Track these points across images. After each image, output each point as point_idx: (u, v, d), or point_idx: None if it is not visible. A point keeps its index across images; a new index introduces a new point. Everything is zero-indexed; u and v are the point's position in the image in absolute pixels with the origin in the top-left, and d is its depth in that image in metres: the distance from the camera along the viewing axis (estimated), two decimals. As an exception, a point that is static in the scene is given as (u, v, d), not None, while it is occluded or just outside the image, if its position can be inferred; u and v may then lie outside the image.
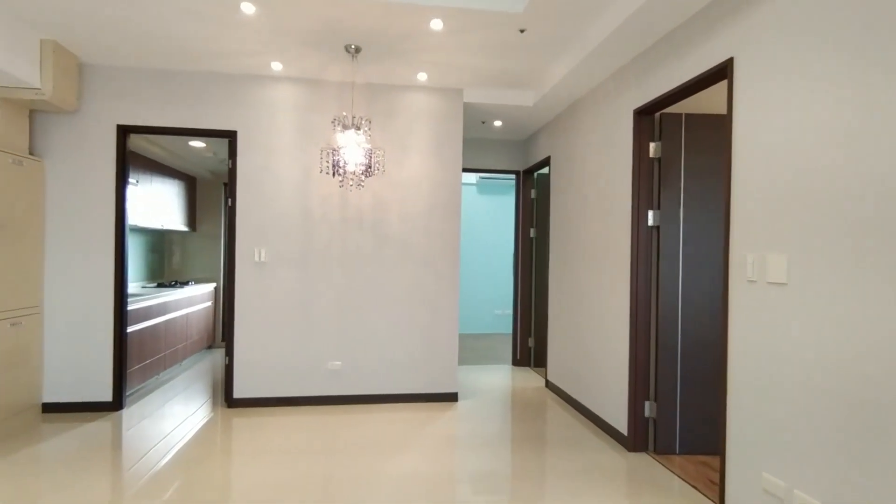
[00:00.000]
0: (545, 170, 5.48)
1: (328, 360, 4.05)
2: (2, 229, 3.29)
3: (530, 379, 5.07)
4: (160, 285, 5.52)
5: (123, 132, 3.83)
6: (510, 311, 8.00)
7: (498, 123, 4.91)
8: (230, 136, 3.93)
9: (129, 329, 4.14)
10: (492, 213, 7.97)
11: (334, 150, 3.36)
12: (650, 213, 3.17)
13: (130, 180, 4.51)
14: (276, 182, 3.97)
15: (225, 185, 6.42)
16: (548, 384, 4.69)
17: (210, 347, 6.37)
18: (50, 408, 3.75)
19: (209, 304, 6.12)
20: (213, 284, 6.26)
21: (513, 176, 5.85)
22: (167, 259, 6.34)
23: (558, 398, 4.37)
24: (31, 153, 3.71)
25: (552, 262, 4.68)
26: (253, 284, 3.96)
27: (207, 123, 3.90)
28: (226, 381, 3.97)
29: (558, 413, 3.98)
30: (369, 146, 3.41)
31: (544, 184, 5.50)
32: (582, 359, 3.95)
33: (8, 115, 3.42)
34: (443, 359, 4.19)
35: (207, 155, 4.99)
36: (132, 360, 4.18)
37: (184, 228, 5.97)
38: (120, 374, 3.84)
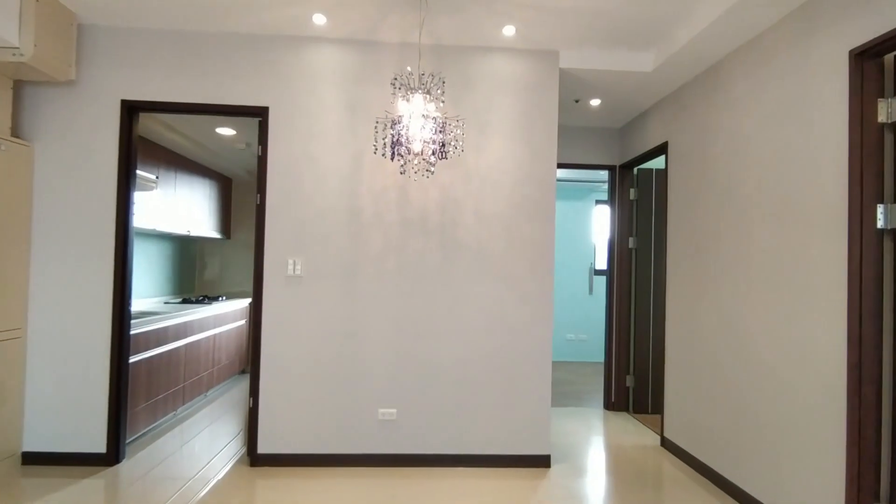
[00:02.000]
0: (652, 163, 4.36)
1: (379, 406, 3.07)
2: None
3: (635, 431, 3.91)
4: (186, 301, 4.73)
5: (129, 110, 3.03)
6: (585, 336, 6.83)
7: (595, 102, 3.85)
8: (260, 115, 3.06)
9: (137, 357, 3.32)
10: (563, 220, 6.87)
11: (394, 121, 2.41)
12: (880, 210, 2.03)
13: (147, 174, 3.73)
14: (317, 173, 3.07)
15: (264, 186, 5.67)
16: (665, 442, 3.53)
17: (244, 372, 5.55)
18: (31, 458, 2.94)
19: (242, 322, 5.31)
20: (248, 300, 5.45)
21: (604, 174, 4.74)
22: (198, 271, 5.60)
23: (687, 466, 3.21)
24: (16, 135, 2.96)
25: (672, 281, 3.54)
26: (284, 304, 3.05)
27: (232, 98, 3.05)
28: (249, 431, 3.06)
29: (698, 494, 2.83)
30: (442, 115, 2.43)
31: (649, 180, 4.38)
32: (733, 419, 2.79)
33: (-18, 84, 2.66)
34: (531, 411, 3.13)
35: (239, 147, 4.19)
36: (138, 396, 3.35)
37: (216, 236, 5.20)
38: (117, 418, 2.99)
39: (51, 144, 2.98)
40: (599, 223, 6.93)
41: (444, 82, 2.44)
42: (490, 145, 3.14)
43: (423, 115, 2.36)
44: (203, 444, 3.45)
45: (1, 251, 2.75)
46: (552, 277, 3.16)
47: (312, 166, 3.07)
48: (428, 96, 2.39)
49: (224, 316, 4.78)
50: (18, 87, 2.96)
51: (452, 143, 2.56)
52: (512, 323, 3.14)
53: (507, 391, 3.13)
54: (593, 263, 6.89)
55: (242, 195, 5.73)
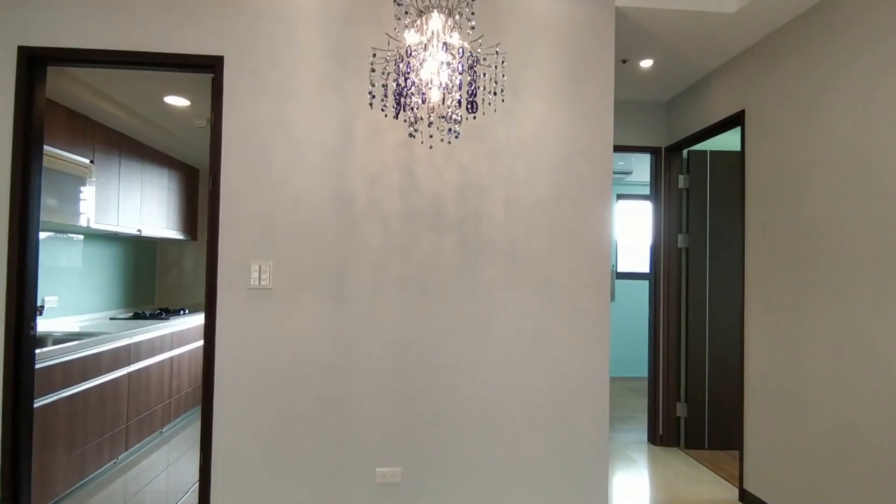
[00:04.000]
0: (706, 144, 3.58)
1: (378, 465, 2.25)
2: None
3: (698, 478, 3.11)
4: (137, 316, 3.88)
5: (31, 61, 2.19)
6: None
7: (646, 64, 3.07)
8: (212, 68, 2.24)
9: (52, 397, 2.47)
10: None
11: (400, 58, 1.59)
12: None
13: (77, 157, 2.89)
14: (291, 147, 2.25)
15: (237, 178, 4.81)
16: (746, 497, 2.73)
17: (213, 398, 4.68)
18: None
19: (212, 339, 4.44)
20: (219, 312, 4.59)
21: (625, 163, 3.95)
22: (158, 278, 4.73)
23: (786, 536, 2.42)
24: None
25: (755, 288, 2.75)
26: (246, 327, 2.22)
27: (173, 45, 2.23)
28: (200, 500, 2.22)
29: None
30: (468, 48, 1.61)
31: (702, 165, 3.59)
32: (865, 475, 1.99)
33: None
34: (583, 470, 2.33)
35: (198, 124, 3.35)
36: (55, 449, 2.50)
37: (178, 236, 4.35)
38: (14, 487, 2.14)
39: (-84, 106, 2.13)
40: (621, 219, 6.16)
41: (472, 2, 1.62)
42: (525, 111, 2.34)
43: (445, 45, 1.55)
44: (156, 498, 2.62)
45: None
46: (609, 286, 2.36)
47: (285, 137, 2.25)
48: (451, 19, 1.58)
49: (186, 333, 3.93)
50: None
51: (486, 92, 1.73)
52: (556, 348, 2.33)
53: (549, 443, 2.32)
54: (615, 266, 6.12)
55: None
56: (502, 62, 1.65)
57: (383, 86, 1.65)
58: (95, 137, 3.20)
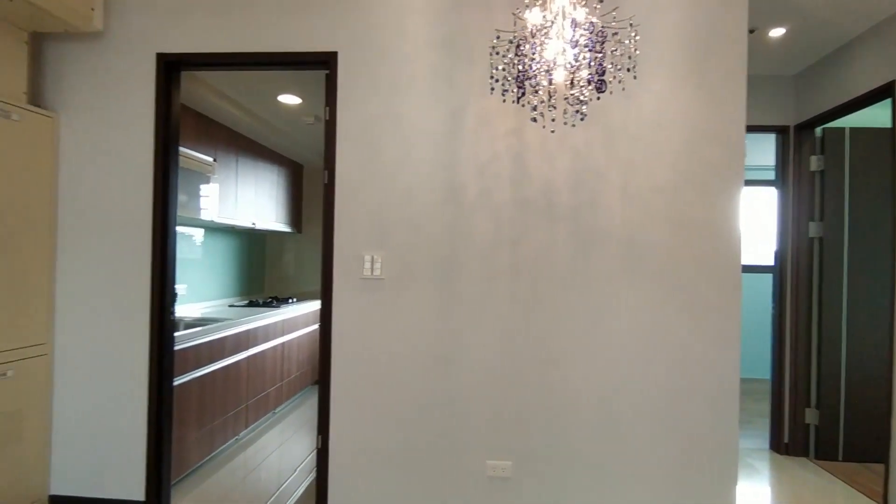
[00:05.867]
0: (850, 118, 3.18)
1: (487, 456, 2.23)
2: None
3: (830, 491, 2.79)
4: (252, 304, 4.15)
5: (168, 66, 2.38)
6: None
7: (777, 33, 2.76)
8: (327, 64, 2.30)
9: (187, 377, 2.70)
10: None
11: (523, 39, 1.53)
12: None
13: (202, 156, 3.12)
14: (402, 139, 2.26)
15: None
16: (900, 520, 2.40)
17: (317, 383, 4.93)
18: (60, 503, 2.38)
19: (315, 327, 4.68)
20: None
21: (764, 137, 3.59)
22: (267, 269, 5.05)
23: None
24: (35, 103, 2.39)
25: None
26: (359, 316, 2.28)
27: (290, 44, 2.31)
28: (318, 482, 2.32)
29: None
30: (598, 23, 1.50)
31: (840, 144, 3.19)
32: None
33: (-14, 35, 2.09)
34: (705, 476, 2.16)
35: (307, 121, 3.50)
36: (189, 425, 2.73)
37: (285, 229, 4.60)
38: (158, 456, 2.36)
39: (76, 114, 2.39)
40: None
41: (599, -25, 1.51)
42: (645, 91, 2.18)
43: (574, 21, 1.45)
44: (272, 475, 2.80)
45: (22, 248, 2.19)
46: (740, 280, 2.15)
47: (395, 129, 2.26)
48: (578, -5, 1.48)
49: (294, 321, 4.15)
50: (38, 43, 2.39)
51: (615, 70, 1.61)
52: (676, 345, 2.17)
53: (668, 445, 2.17)
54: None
55: (315, 184, 5.12)
56: (635, 36, 1.52)
57: (502, 69, 1.60)
58: (218, 137, 3.44)
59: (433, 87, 2.24)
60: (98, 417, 2.36)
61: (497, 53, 1.55)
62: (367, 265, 2.26)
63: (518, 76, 1.56)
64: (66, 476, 2.38)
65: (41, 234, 2.30)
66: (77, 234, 2.38)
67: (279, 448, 3.27)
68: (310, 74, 2.86)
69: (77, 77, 2.38)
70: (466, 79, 2.22)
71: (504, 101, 1.60)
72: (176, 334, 2.57)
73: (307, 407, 4.19)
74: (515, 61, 1.57)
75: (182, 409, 2.66)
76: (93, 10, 2.25)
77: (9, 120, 2.13)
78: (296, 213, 4.87)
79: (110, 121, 2.37)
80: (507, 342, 2.22)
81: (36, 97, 2.39)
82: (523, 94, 1.59)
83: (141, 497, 2.35)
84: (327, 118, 2.30)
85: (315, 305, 4.63)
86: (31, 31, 2.28)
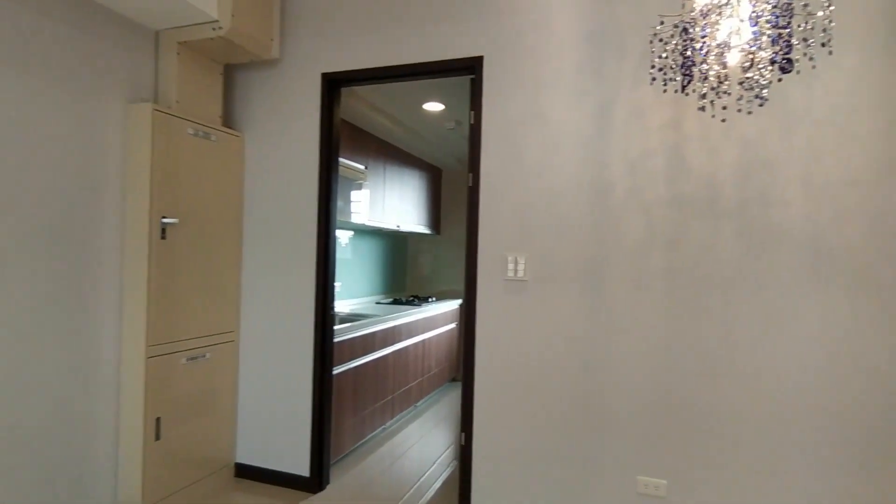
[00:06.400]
0: None
1: (637, 472, 2.09)
2: (181, 227, 2.34)
3: None
4: (396, 301, 4.41)
5: (330, 84, 2.62)
6: None
7: None
8: (472, 69, 2.35)
9: (344, 367, 2.94)
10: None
11: (689, 24, 1.40)
12: None
13: (355, 164, 3.39)
14: (546, 138, 2.23)
15: (473, 176, 5.10)
16: None
17: (454, 380, 5.09)
18: (243, 471, 2.74)
19: (453, 325, 4.82)
20: (459, 301, 4.95)
21: None
22: (408, 269, 5.32)
23: None
24: (228, 125, 2.79)
25: None
26: (503, 317, 2.28)
27: (437, 52, 2.41)
28: (461, 478, 2.38)
29: None
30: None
31: None
32: None
33: (192, 70, 2.49)
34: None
35: (448, 126, 3.63)
36: (345, 411, 2.97)
37: (425, 231, 4.81)
38: (320, 438, 2.61)
39: (257, 132, 2.74)
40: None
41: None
42: (831, 67, 1.88)
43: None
44: (413, 464, 2.95)
45: (219, 251, 2.58)
46: (969, 289, 1.75)
47: (540, 129, 2.24)
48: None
49: (434, 319, 4.32)
50: (229, 73, 2.79)
51: (809, 42, 1.39)
52: (877, 366, 1.83)
53: (859, 485, 1.83)
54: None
55: (452, 187, 5.28)
56: (829, 6, 1.31)
57: (665, 56, 1.48)
58: (369, 146, 3.71)
59: (579, 83, 2.17)
60: (273, 398, 2.68)
61: (660, 41, 1.45)
62: (511, 266, 2.27)
63: (684, 63, 1.44)
64: (248, 447, 2.74)
65: (232, 238, 2.68)
66: (257, 237, 2.73)
67: (420, 440, 3.42)
68: (453, 81, 2.95)
69: (258, 100, 2.74)
70: (616, 72, 2.12)
71: (665, 90, 1.48)
72: (334, 328, 2.81)
73: (445, 403, 4.33)
74: (681, 47, 1.45)
75: (339, 396, 2.91)
76: (272, 40, 2.56)
77: (208, 141, 2.52)
78: (435, 215, 5.07)
79: (284, 136, 2.68)
80: (660, 351, 2.07)
81: (227, 120, 2.79)
82: (689, 81, 1.47)
83: (306, 473, 2.62)
84: (472, 122, 2.35)
85: (453, 305, 4.77)
86: (225, 63, 2.67)
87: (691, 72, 1.43)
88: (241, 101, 2.78)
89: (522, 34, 2.26)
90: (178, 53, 2.40)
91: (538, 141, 2.23)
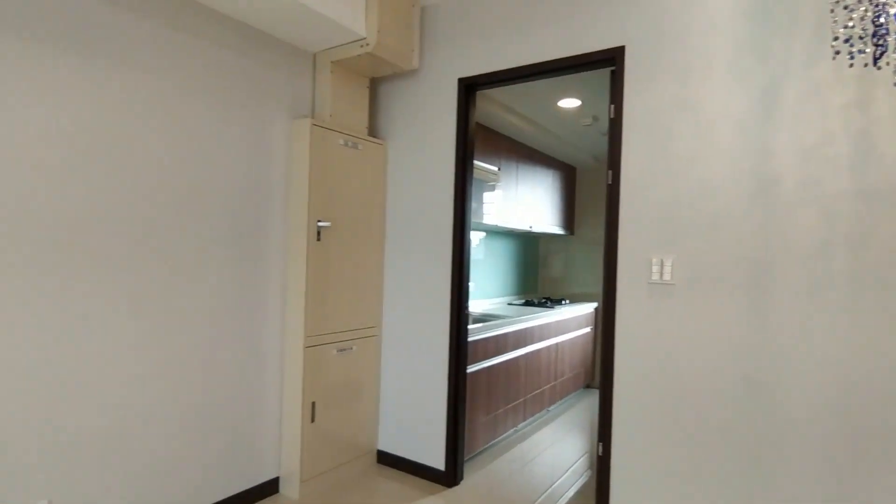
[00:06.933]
0: None
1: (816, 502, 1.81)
2: (333, 229, 2.58)
3: None
4: (528, 303, 4.37)
5: (466, 88, 2.68)
6: None
7: None
8: (613, 61, 2.24)
9: (477, 367, 2.99)
10: None
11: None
12: None
13: (488, 166, 3.43)
14: (697, 127, 2.03)
15: (610, 173, 4.85)
16: None
17: (588, 387, 4.89)
18: (384, 458, 2.92)
19: (587, 329, 4.64)
20: (594, 305, 4.76)
21: None
22: (540, 270, 5.24)
23: None
24: (372, 134, 3.00)
25: None
26: (646, 324, 2.13)
27: (575, 46, 2.33)
28: (598, 490, 2.27)
29: None
30: None
31: None
32: None
33: (343, 86, 2.71)
34: None
35: (584, 123, 3.49)
36: (478, 410, 3.02)
37: (558, 231, 4.70)
38: (454, 434, 2.68)
39: (398, 139, 2.90)
40: None
41: None
42: None
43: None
44: (545, 469, 2.89)
45: (363, 250, 2.78)
46: None
47: (690, 118, 2.05)
48: None
49: (567, 322, 4.19)
50: (374, 85, 3.00)
51: None
52: None
53: None
54: None
55: (587, 186, 5.09)
56: None
57: (851, 25, 1.26)
58: (501, 147, 3.73)
59: (738, 64, 1.95)
60: (411, 391, 2.82)
61: (844, 8, 1.24)
62: (656, 269, 2.11)
63: (876, 31, 1.22)
64: (389, 436, 2.91)
65: (375, 240, 2.88)
66: (398, 238, 2.89)
67: (552, 445, 3.34)
68: (591, 75, 2.84)
69: (398, 108, 2.90)
70: (784, 49, 1.86)
71: (851, 64, 1.25)
72: (468, 327, 2.87)
73: (579, 409, 4.18)
74: (871, 13, 1.23)
75: (472, 395, 2.96)
76: (412, 51, 2.70)
77: (356, 150, 2.73)
78: (568, 215, 4.93)
79: (422, 142, 2.80)
80: (846, 367, 1.77)
81: (372, 129, 3.00)
82: (883, 52, 1.23)
83: (441, 467, 2.70)
84: (612, 116, 2.24)
85: (587, 308, 4.59)
86: (371, 76, 2.87)
87: (885, 41, 1.20)
88: (383, 110, 2.96)
89: (668, 17, 2.09)
90: (332, 72, 2.64)
91: (688, 131, 2.05)
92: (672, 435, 2.07)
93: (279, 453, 2.57)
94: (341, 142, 2.64)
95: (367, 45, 2.46)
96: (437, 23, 2.76)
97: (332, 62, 2.62)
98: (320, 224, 2.52)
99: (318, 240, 2.53)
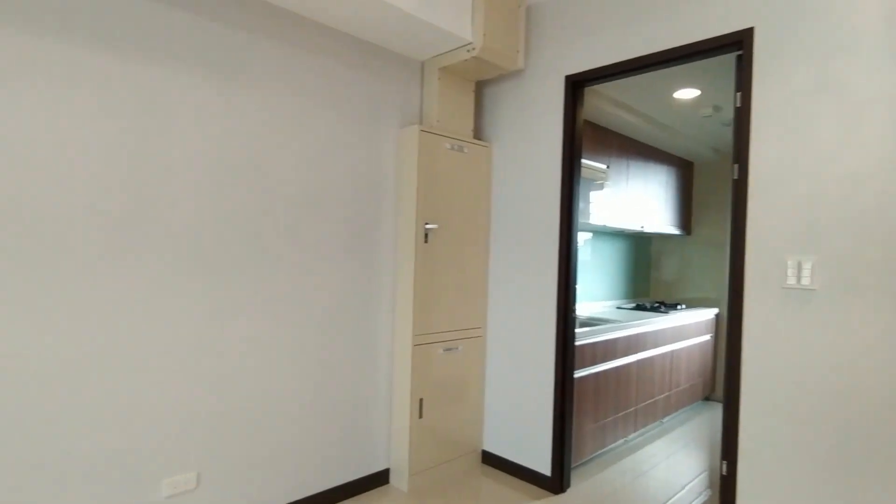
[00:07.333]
0: None
1: None
2: (439, 231, 2.65)
3: None
4: (639, 307, 4.14)
5: (573, 86, 2.61)
6: None
7: None
8: (739, 44, 2.05)
9: (584, 372, 2.90)
10: None
11: None
12: None
13: (596, 164, 3.32)
14: (843, 114, 1.79)
15: (733, 167, 4.43)
16: None
17: (707, 399, 4.52)
18: (488, 459, 2.93)
19: (707, 337, 4.29)
20: (714, 311, 4.38)
21: None
22: (652, 273, 4.94)
23: None
24: (478, 137, 3.03)
25: None
26: (780, 333, 1.92)
27: (692, 34, 2.17)
28: (722, 510, 2.09)
29: None
30: None
31: None
32: None
33: (450, 91, 2.77)
34: None
35: (704, 114, 3.23)
36: (585, 417, 2.92)
37: (673, 231, 4.40)
38: (562, 440, 2.61)
39: (503, 141, 2.90)
40: None
41: None
42: None
43: None
44: (659, 485, 2.72)
45: (468, 251, 2.82)
46: None
47: (833, 102, 1.81)
48: None
49: (684, 329, 3.91)
50: (479, 88, 3.03)
51: None
52: None
53: None
54: None
55: (706, 181, 4.71)
56: None
57: None
58: (610, 144, 3.58)
59: (892, 38, 1.69)
60: (516, 393, 2.80)
61: None
62: (792, 272, 1.89)
63: None
64: (493, 437, 2.91)
65: (480, 242, 2.90)
66: (503, 239, 2.89)
67: (667, 459, 3.13)
68: (711, 63, 2.63)
69: (503, 110, 2.90)
70: (962, 14, 1.57)
71: None
72: (575, 330, 2.79)
73: (697, 423, 3.88)
74: None
75: (579, 401, 2.87)
76: (518, 52, 2.68)
77: (462, 153, 2.77)
78: (685, 213, 4.60)
79: (527, 142, 2.77)
80: None
81: (477, 131, 3.03)
82: None
83: (547, 472, 2.65)
84: (738, 105, 2.05)
85: (707, 314, 4.25)
86: (476, 80, 2.90)
87: None
88: (488, 112, 2.98)
89: (809, -8, 1.87)
90: (439, 79, 2.70)
91: (830, 117, 1.81)
92: (810, 458, 1.84)
93: (389, 446, 2.68)
94: (448, 146, 2.69)
95: (474, 49, 2.49)
96: (543, 21, 2.72)
97: (439, 69, 2.69)
98: (428, 226, 2.60)
99: (426, 242, 2.61)
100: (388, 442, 2.68)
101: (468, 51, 2.52)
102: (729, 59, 2.58)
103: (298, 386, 2.30)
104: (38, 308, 1.63)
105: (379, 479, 2.63)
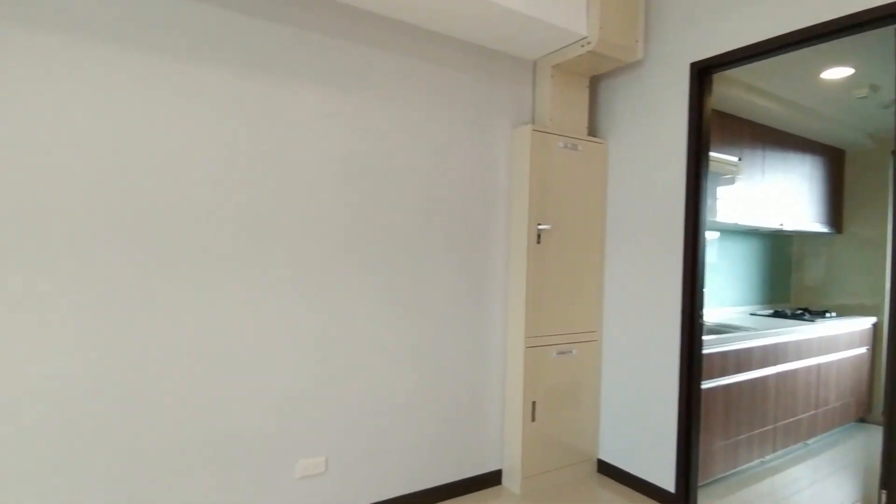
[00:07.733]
0: None
1: None
2: (552, 232, 2.60)
3: None
4: (777, 314, 3.72)
5: (699, 73, 2.41)
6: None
7: None
8: (910, 12, 1.76)
9: (713, 383, 2.67)
10: None
11: None
12: None
13: (727, 157, 3.05)
14: None
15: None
16: None
17: (863, 420, 3.94)
18: (604, 468, 2.82)
19: (863, 350, 3.74)
20: (871, 319, 3.81)
21: None
22: (794, 276, 4.41)
23: None
24: (592, 134, 2.92)
25: None
26: (973, 352, 1.61)
27: (844, 6, 1.89)
28: (888, 552, 1.81)
29: None
30: None
31: None
32: None
33: (563, 88, 2.71)
34: None
35: (858, 95, 2.80)
36: (714, 432, 2.69)
37: (820, 229, 3.90)
38: (687, 454, 2.43)
39: (620, 137, 2.76)
40: None
41: None
42: None
43: None
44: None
45: (582, 252, 2.74)
46: None
47: None
48: None
49: (833, 340, 3.44)
50: (593, 84, 2.92)
51: None
52: None
53: None
54: None
55: (861, 172, 4.10)
56: None
57: None
58: (742, 134, 3.26)
59: None
60: (635, 402, 2.66)
61: None
62: None
63: None
64: (610, 446, 2.79)
65: (595, 242, 2.80)
66: (619, 240, 2.76)
67: (811, 486, 2.78)
68: (869, 37, 2.28)
69: (620, 104, 2.76)
70: None
71: None
72: (703, 338, 2.58)
73: (849, 447, 3.40)
74: None
75: (707, 414, 2.65)
76: (637, 42, 2.54)
77: (575, 151, 2.69)
78: (834, 209, 4.05)
79: (647, 137, 2.62)
80: None
81: (592, 128, 2.93)
82: None
83: (670, 488, 2.48)
84: (910, 83, 1.75)
85: (862, 323, 3.71)
86: (591, 75, 2.80)
87: None
88: (604, 108, 2.86)
89: None
90: (552, 77, 2.65)
91: None
92: None
93: (501, 447, 2.68)
94: (561, 144, 2.63)
95: (589, 43, 2.40)
96: (663, 6, 2.55)
97: (552, 67, 2.64)
98: (540, 227, 2.56)
99: (538, 242, 2.57)
100: (500, 443, 2.69)
101: (583, 46, 2.44)
102: (887, 33, 2.22)
103: (416, 384, 2.39)
104: (197, 309, 1.87)
105: (491, 479, 2.65)
